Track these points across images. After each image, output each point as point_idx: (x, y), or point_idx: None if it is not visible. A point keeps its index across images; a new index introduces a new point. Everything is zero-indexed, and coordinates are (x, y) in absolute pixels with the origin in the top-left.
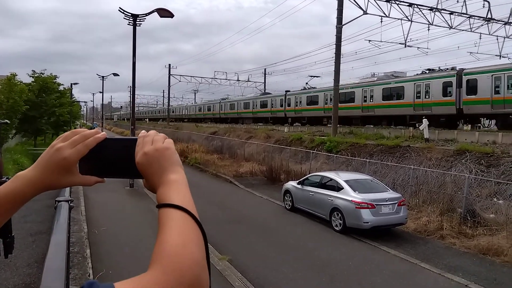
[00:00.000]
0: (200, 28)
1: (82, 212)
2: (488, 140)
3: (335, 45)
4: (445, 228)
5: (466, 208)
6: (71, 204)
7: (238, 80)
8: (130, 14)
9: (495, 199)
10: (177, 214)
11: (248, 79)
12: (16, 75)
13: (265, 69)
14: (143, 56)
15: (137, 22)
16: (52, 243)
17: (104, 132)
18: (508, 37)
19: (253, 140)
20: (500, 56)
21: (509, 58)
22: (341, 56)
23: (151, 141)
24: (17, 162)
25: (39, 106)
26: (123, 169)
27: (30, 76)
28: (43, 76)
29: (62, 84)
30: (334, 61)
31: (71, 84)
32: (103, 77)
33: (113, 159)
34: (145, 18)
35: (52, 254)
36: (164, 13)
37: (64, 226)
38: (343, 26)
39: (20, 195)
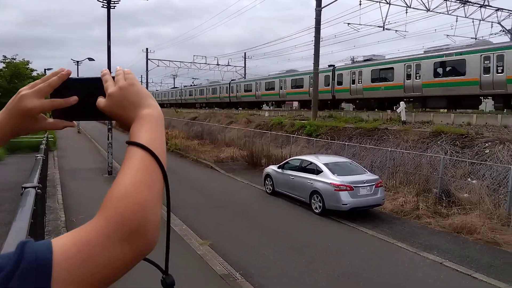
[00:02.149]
0: (181, 12)
1: (58, 201)
2: (463, 122)
3: (314, 28)
4: (421, 208)
5: (441, 188)
6: (38, 191)
7: (218, 64)
8: None
9: (469, 179)
10: (139, 153)
11: (228, 63)
12: None
13: (245, 53)
14: (121, 40)
15: (111, 4)
16: (12, 230)
17: (69, 69)
18: (483, 20)
19: (234, 125)
20: (476, 38)
21: (484, 40)
22: (321, 40)
23: (112, 83)
24: None
25: (12, 93)
26: (92, 110)
27: (1, 62)
28: (15, 61)
29: (36, 70)
30: (313, 44)
31: (45, 69)
32: (77, 62)
33: (81, 100)
34: (119, 0)
35: (11, 241)
36: None
37: (28, 213)
38: (323, 9)
39: None
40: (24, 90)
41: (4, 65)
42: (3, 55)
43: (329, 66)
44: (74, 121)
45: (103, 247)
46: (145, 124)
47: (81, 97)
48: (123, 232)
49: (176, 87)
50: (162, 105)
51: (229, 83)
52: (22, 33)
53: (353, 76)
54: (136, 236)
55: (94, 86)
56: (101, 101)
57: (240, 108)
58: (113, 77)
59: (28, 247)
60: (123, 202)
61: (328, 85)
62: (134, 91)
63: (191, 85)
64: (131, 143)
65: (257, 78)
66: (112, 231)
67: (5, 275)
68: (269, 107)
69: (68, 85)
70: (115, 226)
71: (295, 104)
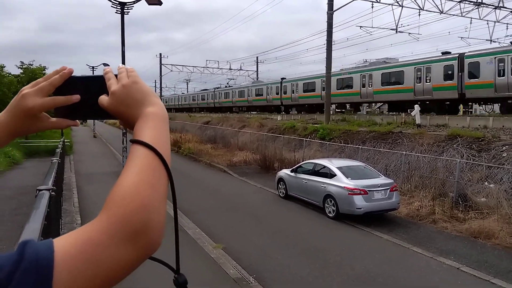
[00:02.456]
0: (192, 17)
1: (74, 204)
2: (479, 125)
3: (326, 32)
4: (437, 213)
5: (458, 193)
6: (52, 193)
7: (230, 69)
8: (117, 2)
9: (486, 183)
10: (143, 152)
11: (241, 67)
12: (4, 66)
13: (257, 57)
14: (134, 45)
15: (125, 10)
16: (25, 232)
17: (71, 67)
18: (498, 22)
19: (247, 129)
20: (491, 40)
21: (499, 42)
22: (333, 43)
23: (115, 81)
24: (8, 155)
25: None
26: (95, 109)
27: (18, 68)
28: (32, 67)
29: None
30: (326, 48)
31: None
32: (92, 67)
33: (84, 99)
34: (133, 6)
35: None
36: (152, 0)
37: (41, 215)
38: (334, 13)
39: None
40: (26, 89)
41: (22, 71)
42: (21, 61)
43: (281, 78)
44: (77, 120)
45: (106, 247)
46: (149, 122)
47: (83, 95)
48: (126, 232)
49: (207, 89)
50: (190, 110)
51: (281, 82)
52: (38, 40)
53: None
54: (140, 236)
55: (97, 84)
56: (104, 99)
57: (295, 112)
58: (116, 75)
59: (29, 247)
60: (126, 201)
61: (278, 94)
62: (137, 89)
63: (226, 86)
64: (135, 141)
65: (320, 75)
66: (115, 231)
67: (5, 276)
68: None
69: (70, 84)
70: (118, 226)
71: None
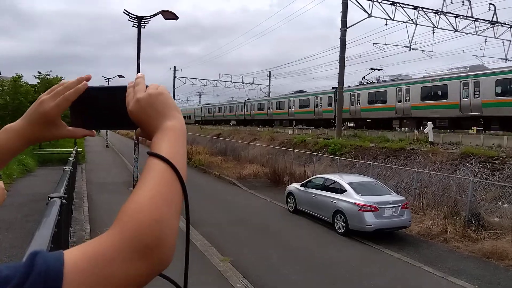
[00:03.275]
0: (208, 31)
1: (84, 212)
2: (493, 144)
3: (339, 48)
4: (449, 232)
5: (471, 212)
6: (63, 201)
7: (243, 82)
8: (134, 16)
9: (500, 203)
10: (159, 165)
11: (253, 81)
12: (22, 76)
13: (269, 71)
14: (150, 58)
15: (141, 24)
16: (35, 239)
17: (87, 78)
18: None
19: (257, 142)
20: (506, 59)
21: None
22: (346, 59)
23: (143, 88)
24: (22, 163)
25: None
26: (112, 119)
27: (36, 78)
28: (48, 77)
29: None
30: (338, 63)
31: None
32: (108, 79)
33: (101, 109)
34: (149, 20)
35: (34, 248)
36: (168, 15)
37: (52, 222)
38: (348, 29)
39: (9, 146)
40: (43, 96)
41: (39, 81)
42: (38, 71)
43: (333, 88)
44: (94, 131)
45: (117, 261)
46: (168, 135)
47: (100, 105)
48: (139, 248)
49: (234, 99)
50: (210, 122)
51: (336, 92)
52: (57, 51)
53: (352, 97)
54: (152, 252)
55: (114, 95)
56: (129, 102)
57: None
58: (146, 86)
59: (39, 258)
60: (139, 216)
61: (331, 105)
62: (161, 101)
63: (263, 97)
64: (152, 154)
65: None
66: (127, 246)
67: (14, 287)
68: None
69: (87, 94)
70: (131, 241)
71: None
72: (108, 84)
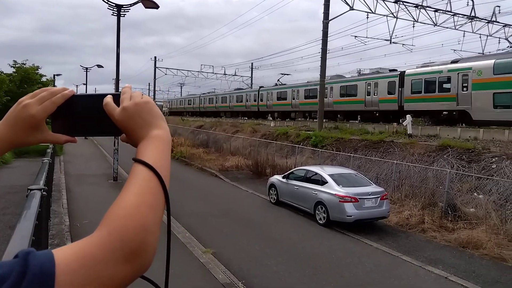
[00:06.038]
0: (192, 21)
1: (63, 205)
2: (469, 136)
3: (321, 40)
4: (427, 222)
5: (447, 203)
6: (44, 193)
7: (225, 74)
8: (114, 4)
9: (475, 194)
10: (144, 172)
11: (235, 73)
12: None
13: (252, 63)
14: (132, 48)
15: (121, 13)
16: (17, 231)
17: (72, 89)
18: (491, 35)
19: (239, 134)
20: (483, 53)
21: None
22: (328, 52)
23: (129, 97)
24: None
25: (21, 97)
26: (95, 127)
27: (11, 67)
28: (25, 66)
29: (45, 75)
30: (320, 56)
31: (54, 75)
32: (86, 68)
33: (85, 116)
34: (129, 9)
35: (16, 241)
36: (149, 3)
37: (33, 215)
38: (330, 22)
39: None
40: (26, 100)
41: (14, 70)
42: (13, 60)
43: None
44: (75, 137)
45: (105, 263)
46: (154, 144)
47: (84, 113)
48: (125, 251)
49: (241, 88)
50: (217, 114)
51: (369, 77)
52: (35, 39)
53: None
54: (137, 256)
55: (98, 102)
56: (115, 110)
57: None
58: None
59: (32, 258)
60: (127, 221)
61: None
62: (147, 110)
63: (276, 84)
64: (138, 161)
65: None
66: (115, 249)
67: (10, 286)
68: None
69: (71, 101)
70: (119, 243)
71: None
72: (93, 92)
